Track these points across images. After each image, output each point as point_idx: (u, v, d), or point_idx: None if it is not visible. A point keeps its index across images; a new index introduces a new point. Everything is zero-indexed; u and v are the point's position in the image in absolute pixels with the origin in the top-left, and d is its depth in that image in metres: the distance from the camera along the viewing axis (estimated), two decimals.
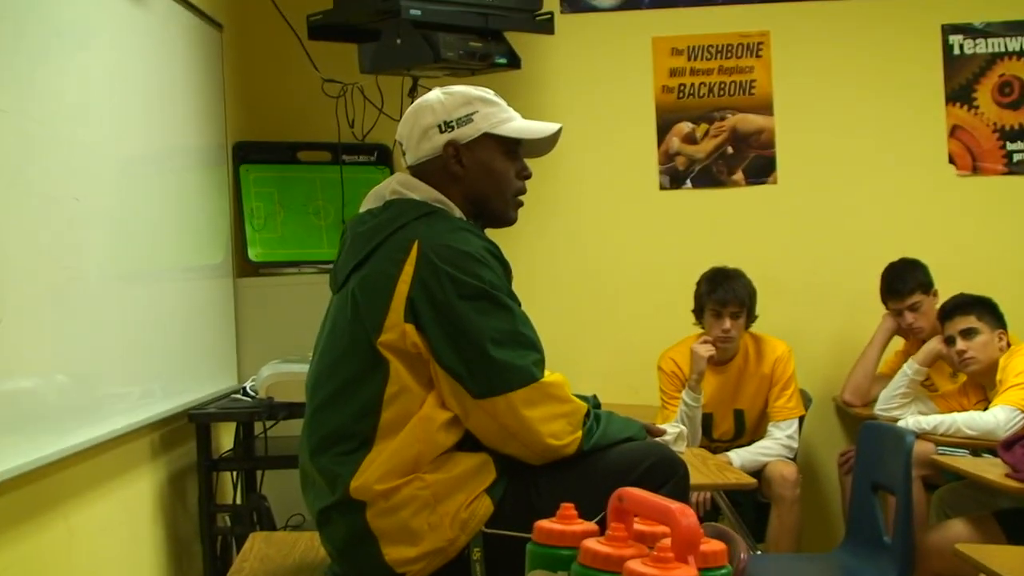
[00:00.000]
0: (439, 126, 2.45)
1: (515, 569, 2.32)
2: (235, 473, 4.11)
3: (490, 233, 2.49)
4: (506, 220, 2.53)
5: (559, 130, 2.53)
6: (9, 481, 2.52)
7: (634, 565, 1.28)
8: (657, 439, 2.51)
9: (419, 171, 2.50)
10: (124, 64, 3.45)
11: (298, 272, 4.68)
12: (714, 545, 1.39)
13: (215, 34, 4.40)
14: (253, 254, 4.67)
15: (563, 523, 1.50)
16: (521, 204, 2.54)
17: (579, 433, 2.34)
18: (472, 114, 2.45)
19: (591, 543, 1.38)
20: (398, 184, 2.47)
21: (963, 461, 3.80)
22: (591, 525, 1.49)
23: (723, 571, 1.39)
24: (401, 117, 4.76)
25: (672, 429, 2.57)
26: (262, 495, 4.01)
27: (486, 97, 2.49)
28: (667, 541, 1.29)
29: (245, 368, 4.43)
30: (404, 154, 2.53)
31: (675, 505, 1.34)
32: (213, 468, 3.85)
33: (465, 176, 2.46)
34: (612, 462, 2.32)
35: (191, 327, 3.99)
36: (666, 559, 1.27)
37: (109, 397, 3.24)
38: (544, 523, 1.51)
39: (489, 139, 2.46)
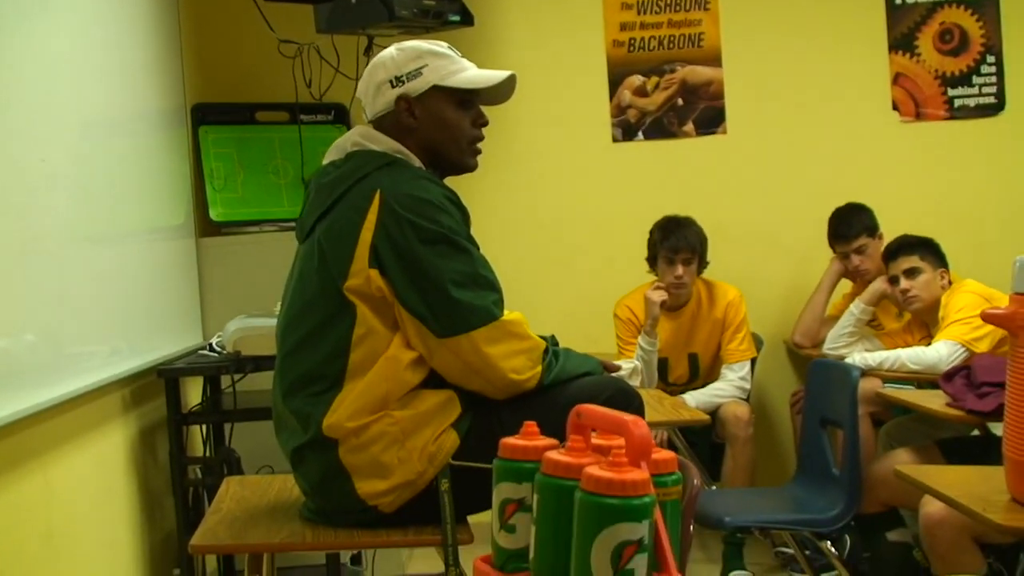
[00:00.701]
0: (391, 81, 2.55)
1: (481, 499, 2.45)
2: (204, 426, 4.19)
3: (449, 182, 2.59)
4: (464, 167, 2.63)
5: (512, 76, 2.62)
6: None
7: (592, 470, 1.40)
8: (613, 374, 2.63)
9: (377, 125, 2.59)
10: (83, 27, 3.47)
11: (259, 231, 4.73)
12: (665, 454, 1.51)
13: None
14: (214, 214, 4.73)
15: (526, 439, 1.62)
16: (479, 152, 2.63)
17: (539, 368, 2.45)
18: (422, 68, 2.55)
19: (552, 454, 1.49)
20: (359, 136, 2.56)
21: (907, 393, 3.94)
22: (552, 441, 1.61)
23: (673, 476, 1.51)
24: (356, 76, 4.89)
25: (627, 365, 2.70)
26: (231, 448, 4.10)
27: (436, 50, 2.58)
28: (621, 449, 1.41)
29: (209, 325, 4.51)
30: (364, 110, 2.62)
31: (628, 417, 1.46)
32: (183, 422, 3.92)
33: (418, 128, 2.56)
34: (571, 395, 2.40)
35: (156, 287, 4.05)
36: (620, 463, 1.39)
37: (78, 355, 3.29)
38: (509, 440, 1.63)
39: (439, 91, 2.56)
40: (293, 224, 4.59)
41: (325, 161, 2.60)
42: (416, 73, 2.54)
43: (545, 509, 1.49)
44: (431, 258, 2.38)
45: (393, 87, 2.55)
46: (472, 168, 2.64)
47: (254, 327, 3.84)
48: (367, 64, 4.64)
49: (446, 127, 2.57)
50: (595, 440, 1.59)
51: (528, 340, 2.46)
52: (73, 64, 3.36)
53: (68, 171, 3.26)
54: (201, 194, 4.72)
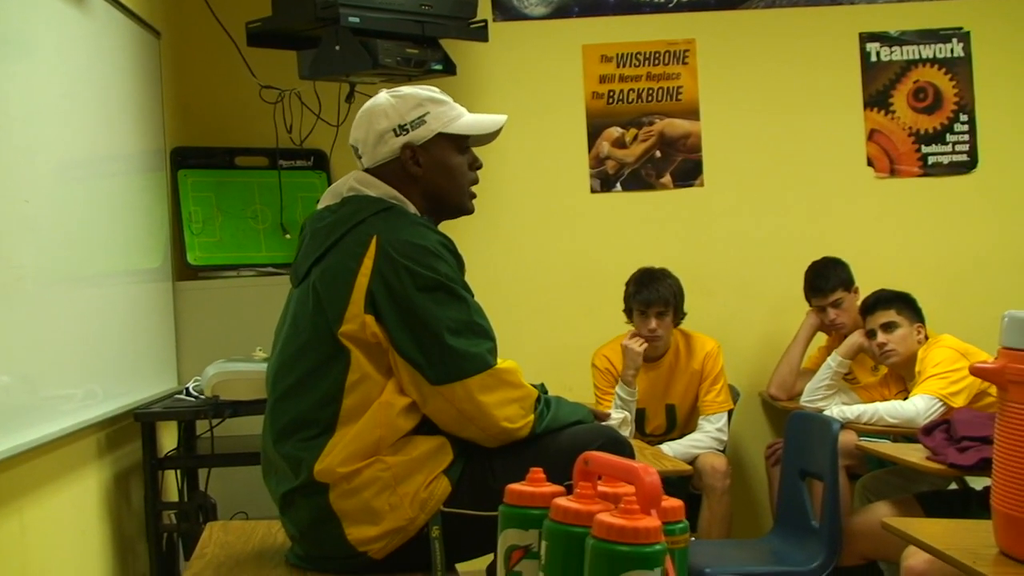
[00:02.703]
0: (394, 130, 2.55)
1: (472, 546, 2.45)
2: (178, 471, 4.15)
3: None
4: (463, 210, 2.65)
5: (505, 120, 2.65)
6: None
7: (604, 517, 1.40)
8: (603, 423, 2.63)
9: (376, 173, 2.59)
10: (66, 69, 3.48)
11: (236, 275, 4.71)
12: (673, 502, 1.51)
13: (153, 41, 4.44)
14: (192, 258, 4.70)
15: (533, 486, 1.62)
16: (475, 195, 2.65)
17: (531, 417, 2.45)
18: (424, 115, 2.56)
19: (562, 501, 1.49)
20: (355, 182, 2.57)
21: (887, 446, 3.97)
22: (559, 487, 1.60)
23: (680, 525, 1.51)
24: (338, 122, 4.91)
25: (617, 414, 2.71)
26: (206, 493, 4.07)
27: (435, 96, 2.60)
28: (632, 496, 1.41)
29: (185, 370, 4.47)
30: (359, 158, 2.62)
31: (638, 464, 1.46)
32: (159, 467, 3.89)
33: (424, 175, 2.57)
34: (563, 443, 2.42)
35: (131, 330, 4.02)
36: (632, 511, 1.39)
37: (54, 398, 3.26)
38: (515, 486, 1.62)
39: (443, 138, 2.57)
40: (271, 269, 4.69)
41: (320, 205, 2.60)
42: (420, 121, 2.55)
43: (554, 556, 1.48)
44: (427, 305, 2.38)
45: (397, 135, 2.55)
46: (471, 211, 2.66)
47: (233, 371, 3.82)
48: (348, 111, 4.75)
49: (450, 173, 2.59)
50: (601, 487, 1.58)
51: (521, 388, 2.46)
52: (55, 106, 3.36)
53: (49, 213, 3.25)
54: (179, 238, 4.70)
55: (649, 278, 4.75)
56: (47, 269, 3.23)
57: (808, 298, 4.92)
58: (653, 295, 4.70)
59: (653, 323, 4.69)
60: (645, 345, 4.68)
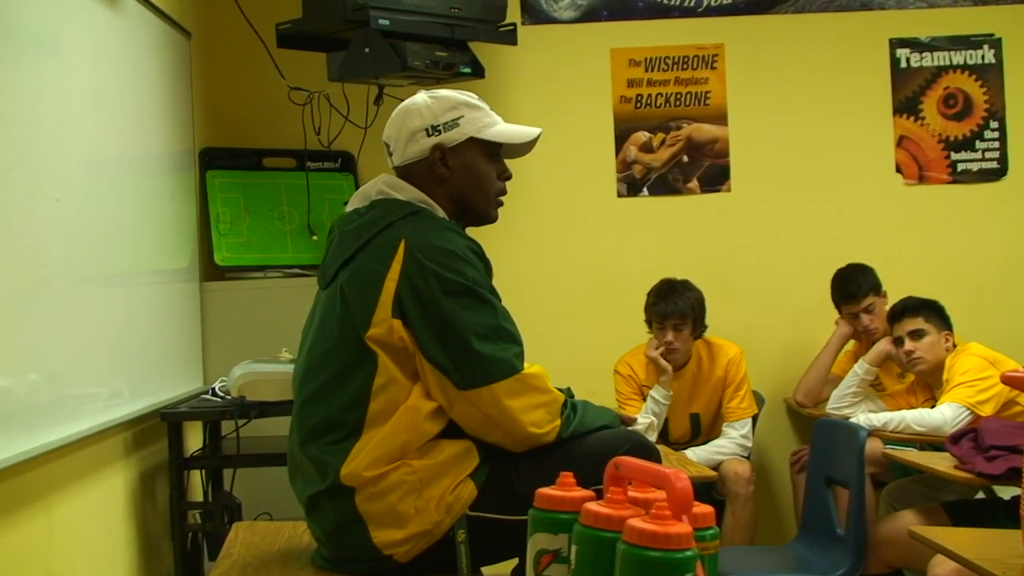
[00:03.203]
0: (427, 130, 2.56)
1: (498, 550, 2.45)
2: (203, 471, 4.16)
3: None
4: (488, 219, 2.65)
5: (539, 134, 2.65)
6: None
7: (635, 522, 1.39)
8: (630, 428, 2.63)
9: (405, 172, 2.60)
10: (97, 69, 3.50)
11: (263, 276, 4.72)
12: (703, 508, 1.51)
13: (184, 41, 4.46)
14: (219, 258, 4.72)
15: (563, 490, 1.61)
16: (501, 204, 2.66)
17: (558, 422, 2.44)
18: (459, 118, 2.56)
19: (592, 506, 1.49)
20: (384, 185, 2.57)
21: (914, 455, 3.95)
22: (589, 492, 1.60)
23: (711, 531, 1.51)
24: (366, 124, 4.93)
25: (643, 419, 2.70)
26: (232, 493, 4.08)
27: (471, 102, 2.60)
28: (663, 502, 1.40)
29: (211, 370, 4.49)
30: (390, 155, 2.63)
31: (670, 470, 1.46)
32: (185, 466, 3.90)
33: (451, 178, 2.57)
34: (590, 448, 2.42)
35: (158, 330, 4.04)
36: (663, 517, 1.39)
37: (80, 396, 3.27)
38: (545, 490, 1.62)
39: (474, 143, 2.57)
40: (297, 270, 4.71)
41: (348, 208, 2.61)
42: (453, 124, 2.56)
43: (584, 560, 1.48)
44: (455, 310, 2.38)
45: (429, 135, 2.55)
46: (494, 220, 2.66)
47: (260, 372, 3.83)
48: (376, 113, 4.76)
49: (477, 179, 2.59)
50: (632, 493, 1.58)
51: (548, 394, 2.45)
52: (86, 104, 3.38)
53: (77, 211, 3.27)
54: (206, 238, 4.72)
55: (668, 290, 4.74)
56: (75, 268, 3.25)
57: (838, 306, 4.89)
58: (671, 307, 4.69)
59: (670, 335, 4.69)
60: (662, 349, 4.68)
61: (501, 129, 2.61)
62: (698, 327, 4.75)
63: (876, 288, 4.82)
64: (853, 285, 4.82)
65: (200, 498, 4.16)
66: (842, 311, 4.89)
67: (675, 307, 4.68)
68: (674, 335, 4.69)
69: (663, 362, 4.68)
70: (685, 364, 4.81)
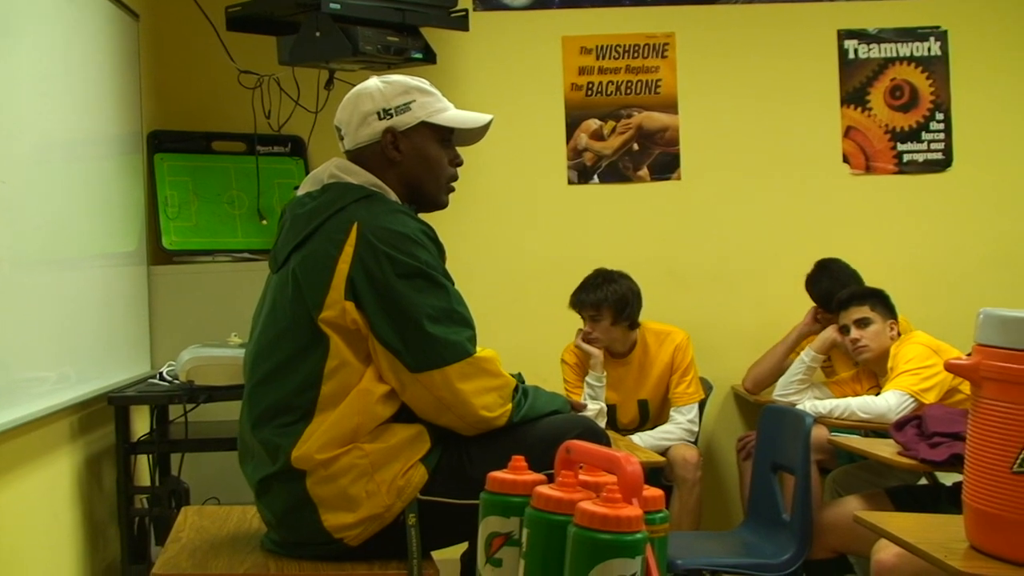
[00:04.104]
0: (378, 113, 2.56)
1: (448, 533, 2.47)
2: (151, 456, 4.14)
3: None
4: (438, 204, 2.66)
5: (490, 121, 2.66)
6: None
7: (586, 505, 1.41)
8: (580, 413, 2.65)
9: (357, 156, 2.60)
10: (45, 51, 3.46)
11: (212, 260, 4.69)
12: (653, 491, 1.52)
13: (132, 23, 4.42)
14: (167, 242, 4.68)
15: (515, 474, 1.62)
16: (453, 190, 2.67)
17: (509, 406, 2.46)
18: (410, 103, 2.57)
19: (544, 489, 1.50)
20: (336, 168, 2.57)
21: (858, 441, 3.99)
22: (540, 476, 1.61)
23: (661, 514, 1.52)
24: (316, 109, 4.90)
25: (593, 405, 2.72)
26: (179, 478, 4.06)
27: (423, 87, 2.61)
28: (614, 485, 1.42)
29: (159, 354, 4.46)
30: (342, 139, 2.63)
31: (620, 453, 1.47)
32: (132, 451, 3.88)
33: (402, 161, 2.58)
34: (540, 433, 2.44)
35: (106, 313, 4.01)
36: (614, 500, 1.40)
37: (26, 380, 3.25)
38: (497, 474, 1.63)
39: (425, 127, 2.58)
40: (247, 255, 4.68)
41: (300, 192, 2.60)
42: (405, 108, 2.56)
43: (535, 543, 1.49)
44: (408, 292, 2.38)
45: (380, 119, 2.56)
46: (444, 205, 2.68)
47: (208, 357, 3.82)
48: (327, 98, 4.74)
49: (428, 163, 2.60)
50: (582, 476, 1.59)
51: (500, 378, 2.47)
52: (32, 87, 3.34)
53: (24, 194, 3.23)
54: (154, 221, 4.68)
55: (590, 281, 4.77)
56: (22, 251, 3.21)
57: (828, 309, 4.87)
58: (583, 299, 4.73)
59: (588, 326, 4.72)
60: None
61: (453, 115, 2.62)
62: (621, 317, 4.74)
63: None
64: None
65: (147, 483, 4.13)
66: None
67: (588, 299, 4.72)
68: (591, 325, 4.73)
69: (586, 347, 4.73)
70: (631, 351, 4.83)
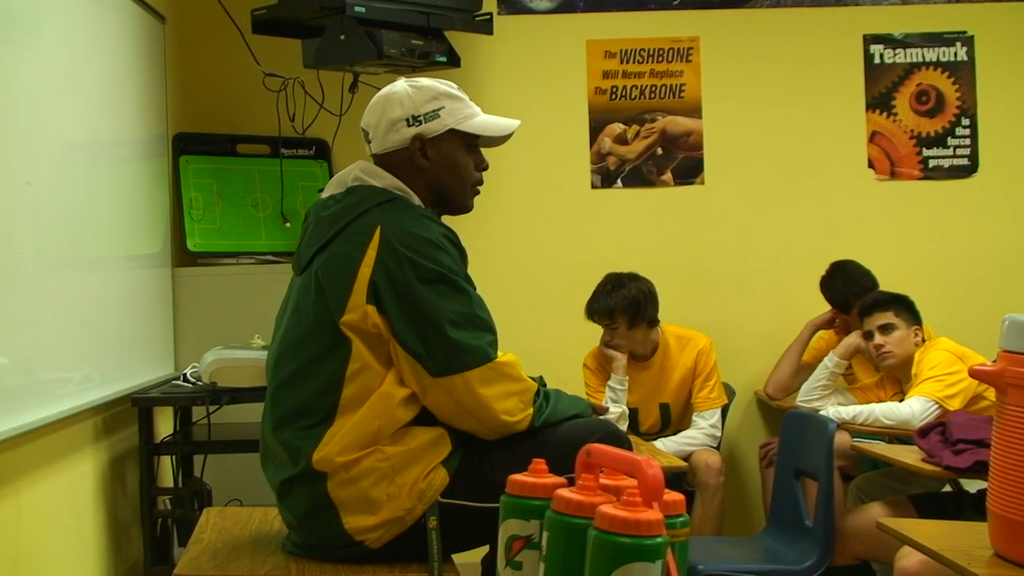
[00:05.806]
0: (407, 120, 2.56)
1: (468, 537, 2.46)
2: (174, 457, 4.15)
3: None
4: (464, 208, 2.66)
5: (518, 126, 2.66)
6: None
7: (606, 508, 1.40)
8: (602, 417, 2.64)
9: (383, 160, 2.60)
10: (70, 52, 3.48)
11: (236, 263, 4.71)
12: (674, 496, 1.52)
13: (158, 26, 4.44)
14: (191, 244, 4.70)
15: (535, 477, 1.62)
16: (478, 193, 2.67)
17: (530, 410, 2.46)
18: (439, 109, 2.56)
19: (564, 492, 1.50)
20: (360, 171, 2.57)
21: (882, 448, 3.97)
22: (561, 479, 1.61)
23: (682, 519, 1.52)
24: (340, 112, 4.92)
25: (615, 408, 2.72)
26: (202, 479, 4.07)
27: (451, 92, 2.60)
28: (635, 489, 1.41)
29: (182, 356, 4.48)
30: (369, 142, 2.63)
31: (641, 457, 1.47)
32: (155, 452, 3.89)
33: (429, 168, 2.57)
34: (561, 437, 2.44)
35: (130, 315, 4.02)
36: (634, 503, 1.40)
37: (51, 381, 3.27)
38: (517, 476, 1.63)
39: (453, 134, 2.58)
40: (270, 257, 4.69)
41: (324, 194, 2.60)
42: (434, 115, 2.56)
43: (555, 546, 1.49)
44: (429, 297, 2.38)
45: (409, 126, 2.55)
46: (470, 209, 2.68)
47: (232, 359, 3.83)
48: (351, 101, 4.75)
49: (456, 169, 2.60)
50: (603, 480, 1.59)
51: (521, 382, 2.46)
52: (59, 89, 3.36)
53: (50, 195, 3.25)
54: (179, 224, 4.70)
55: (600, 290, 4.75)
56: (47, 252, 3.23)
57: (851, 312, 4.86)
58: (597, 307, 4.72)
59: (606, 334, 4.73)
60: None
61: (481, 121, 2.61)
62: (636, 321, 4.72)
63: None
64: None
65: (170, 484, 4.15)
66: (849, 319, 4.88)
67: (599, 308, 4.71)
68: (610, 334, 4.73)
69: (609, 351, 4.73)
70: (653, 354, 4.82)
